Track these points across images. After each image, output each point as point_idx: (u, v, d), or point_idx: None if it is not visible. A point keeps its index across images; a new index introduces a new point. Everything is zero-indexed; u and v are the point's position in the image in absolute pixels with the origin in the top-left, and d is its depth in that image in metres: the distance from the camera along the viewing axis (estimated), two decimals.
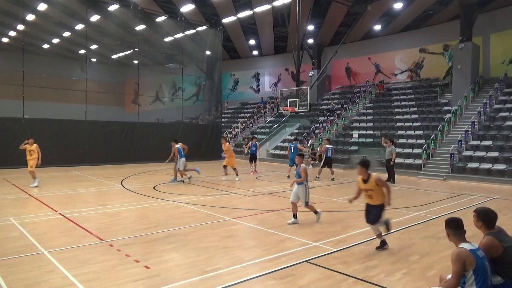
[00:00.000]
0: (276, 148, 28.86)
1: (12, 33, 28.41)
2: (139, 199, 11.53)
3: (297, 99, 25.89)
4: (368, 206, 6.74)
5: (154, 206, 10.43)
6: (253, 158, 19.45)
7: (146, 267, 5.69)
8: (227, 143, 17.44)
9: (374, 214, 6.60)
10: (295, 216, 8.68)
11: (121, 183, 14.82)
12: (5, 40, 29.98)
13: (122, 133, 22.91)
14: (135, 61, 27.55)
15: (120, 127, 23.21)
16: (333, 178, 16.87)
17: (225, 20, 29.80)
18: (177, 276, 5.39)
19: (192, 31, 28.09)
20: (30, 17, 23.95)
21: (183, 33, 27.31)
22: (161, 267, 5.73)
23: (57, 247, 6.57)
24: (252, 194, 12.73)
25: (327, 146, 17.27)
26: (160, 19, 26.57)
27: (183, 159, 14.72)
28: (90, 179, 15.87)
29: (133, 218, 9.15)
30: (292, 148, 17.92)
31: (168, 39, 28.62)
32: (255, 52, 39.27)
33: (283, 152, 27.69)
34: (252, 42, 36.34)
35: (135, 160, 22.82)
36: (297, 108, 25.34)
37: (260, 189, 13.87)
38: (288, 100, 26.45)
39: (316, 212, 8.84)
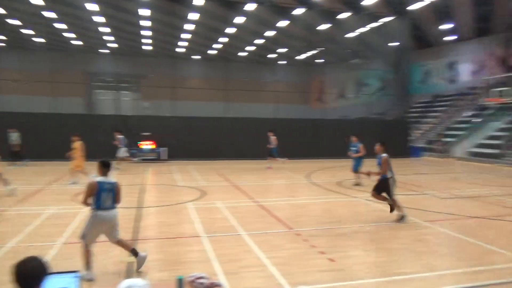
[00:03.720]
0: (478, 146, 24.98)
1: (216, 45, 33.29)
2: (324, 194, 11.82)
3: (506, 88, 21.76)
4: None
5: (339, 201, 10.50)
6: None
7: (331, 260, 5.76)
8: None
9: None
10: (88, 265, 5.04)
11: (308, 177, 15.50)
12: (211, 52, 35.41)
13: (308, 130, 23.96)
14: (320, 60, 28.36)
15: (306, 124, 24.32)
16: None
17: (414, 7, 27.48)
18: (362, 274, 5.26)
19: (376, 24, 27.04)
20: (231, 30, 27.57)
21: (367, 27, 26.59)
22: (345, 262, 5.71)
23: (253, 230, 7.35)
24: (447, 197, 11.37)
25: None
26: (343, 16, 26.56)
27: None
28: (281, 172, 17.17)
29: (319, 211, 9.44)
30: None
31: (351, 35, 28.38)
32: (449, 38, 34.89)
33: (486, 150, 23.74)
34: (446, 27, 32.39)
35: (321, 155, 23.51)
36: (507, 99, 21.28)
37: (457, 192, 12.25)
38: (493, 89, 22.47)
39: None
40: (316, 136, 23.79)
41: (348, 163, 19.55)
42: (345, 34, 28.46)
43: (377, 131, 24.94)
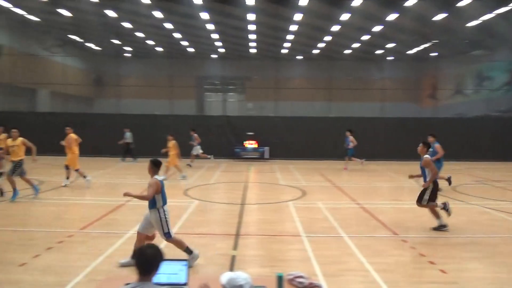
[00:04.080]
0: None
1: (319, 45, 32.86)
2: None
3: None
4: None
5: (453, 208, 9.50)
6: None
7: (443, 271, 5.27)
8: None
9: None
10: (187, 249, 5.46)
11: (418, 180, 14.41)
12: (315, 51, 35.06)
13: (417, 129, 22.22)
14: (433, 54, 26.06)
15: (414, 123, 22.59)
16: None
17: None
18: None
19: (505, 9, 23.74)
20: (335, 28, 26.95)
21: (492, 13, 23.51)
22: (460, 275, 5.18)
23: (354, 233, 7.11)
24: None
25: None
26: (463, 2, 23.95)
27: None
28: (386, 174, 16.31)
29: (428, 217, 8.66)
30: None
31: (472, 23, 25.42)
32: None
33: None
34: None
35: None
36: None
37: None
38: None
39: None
40: (426, 135, 21.98)
41: (464, 167, 17.68)
42: (464, 23, 25.59)
43: (499, 130, 22.06)
